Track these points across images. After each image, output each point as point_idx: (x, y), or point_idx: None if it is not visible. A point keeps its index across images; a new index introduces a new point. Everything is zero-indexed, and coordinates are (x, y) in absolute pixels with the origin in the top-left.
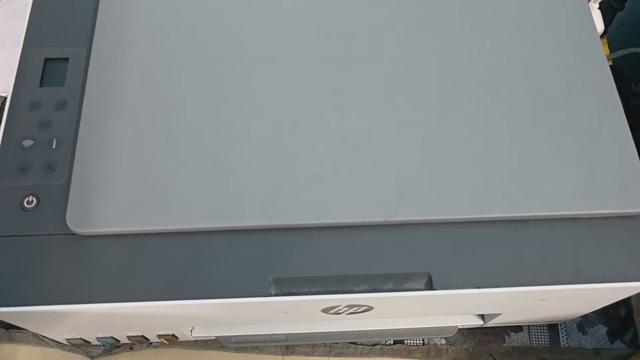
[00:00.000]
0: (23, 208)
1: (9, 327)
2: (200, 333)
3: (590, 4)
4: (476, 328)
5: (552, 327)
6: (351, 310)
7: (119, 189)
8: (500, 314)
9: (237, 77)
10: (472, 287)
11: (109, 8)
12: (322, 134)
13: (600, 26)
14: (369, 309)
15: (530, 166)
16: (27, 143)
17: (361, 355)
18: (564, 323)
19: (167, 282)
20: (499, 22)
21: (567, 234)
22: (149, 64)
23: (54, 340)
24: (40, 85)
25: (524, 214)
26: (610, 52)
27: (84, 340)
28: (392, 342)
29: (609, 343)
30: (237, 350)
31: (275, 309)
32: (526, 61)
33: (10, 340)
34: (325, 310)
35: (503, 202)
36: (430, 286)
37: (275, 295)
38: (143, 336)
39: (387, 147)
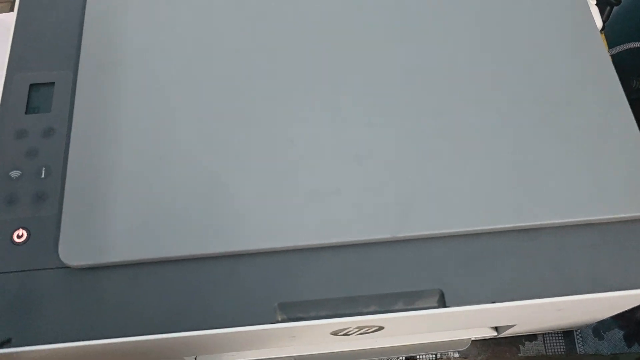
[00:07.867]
0: (13, 242)
1: None
2: None
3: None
4: (490, 339)
5: (568, 334)
6: (361, 331)
7: (112, 218)
8: (514, 325)
9: (229, 92)
10: (487, 302)
11: (94, 29)
12: (319, 148)
13: (598, 22)
14: (380, 328)
15: (539, 172)
16: (15, 173)
17: None
18: (580, 329)
19: (168, 313)
20: (499, 25)
21: (581, 241)
22: (138, 85)
23: None
24: (26, 112)
25: (535, 223)
26: (608, 47)
27: None
28: (403, 358)
29: (626, 347)
30: None
31: (283, 335)
32: (528, 64)
33: None
34: (335, 333)
35: (513, 212)
36: (442, 303)
37: (282, 321)
38: None
39: (388, 159)
